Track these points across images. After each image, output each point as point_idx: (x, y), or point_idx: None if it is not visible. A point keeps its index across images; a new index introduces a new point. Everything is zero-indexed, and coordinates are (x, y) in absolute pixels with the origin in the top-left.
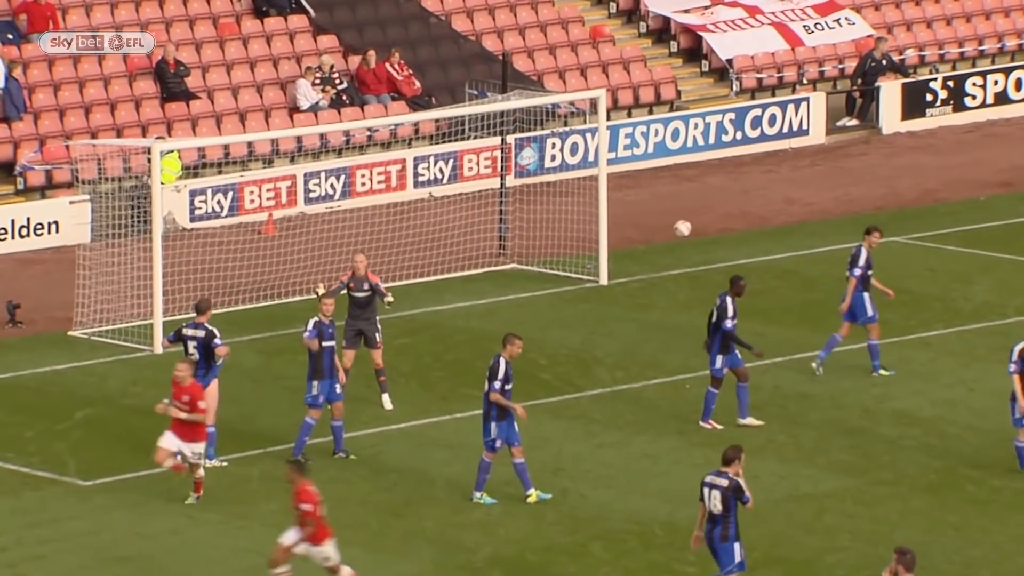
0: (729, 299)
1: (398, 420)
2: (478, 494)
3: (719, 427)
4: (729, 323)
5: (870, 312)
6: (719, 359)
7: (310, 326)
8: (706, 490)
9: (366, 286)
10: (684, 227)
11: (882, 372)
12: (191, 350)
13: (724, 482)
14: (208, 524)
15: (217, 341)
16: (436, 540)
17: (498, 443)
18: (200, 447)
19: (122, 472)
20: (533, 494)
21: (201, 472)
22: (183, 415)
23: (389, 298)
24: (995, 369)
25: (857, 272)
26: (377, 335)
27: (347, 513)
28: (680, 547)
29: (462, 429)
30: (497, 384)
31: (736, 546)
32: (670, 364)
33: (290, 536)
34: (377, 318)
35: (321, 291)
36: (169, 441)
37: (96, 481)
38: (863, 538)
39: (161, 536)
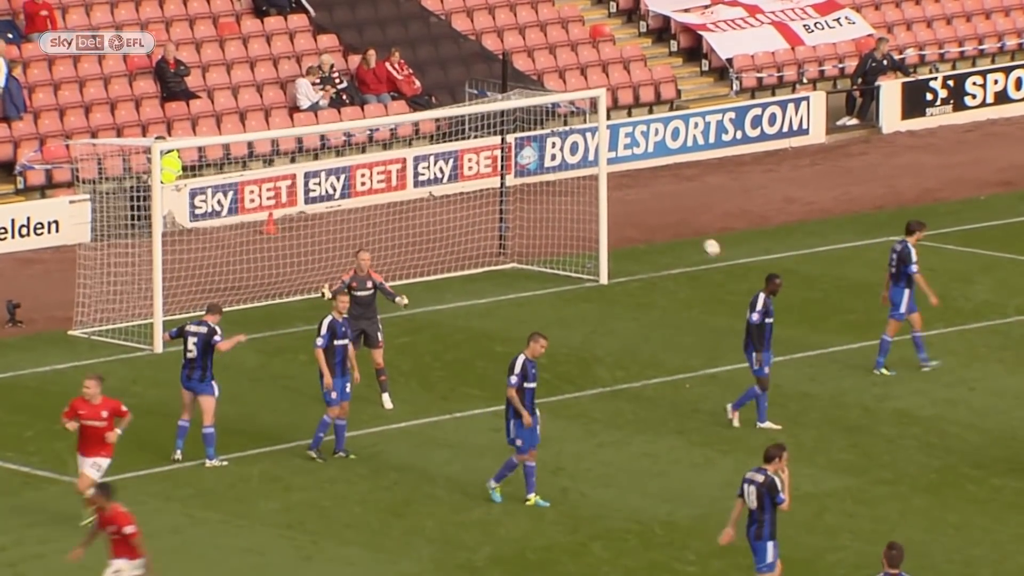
0: (762, 295)
1: (398, 419)
2: (493, 484)
3: (737, 424)
4: (754, 316)
5: (902, 308)
6: (755, 358)
7: (324, 329)
8: (745, 485)
9: (369, 284)
10: (712, 247)
11: (883, 372)
12: (190, 346)
13: (760, 478)
14: (208, 523)
15: (217, 337)
16: (436, 539)
17: (519, 442)
18: (106, 462)
19: (122, 471)
20: (533, 499)
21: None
22: (118, 432)
23: (404, 300)
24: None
25: (915, 268)
26: (379, 334)
27: (347, 512)
28: (680, 546)
29: (462, 428)
30: (513, 379)
31: (770, 545)
32: (670, 363)
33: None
34: (378, 317)
35: (327, 293)
36: (86, 468)
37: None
38: (863, 537)
39: (161, 535)
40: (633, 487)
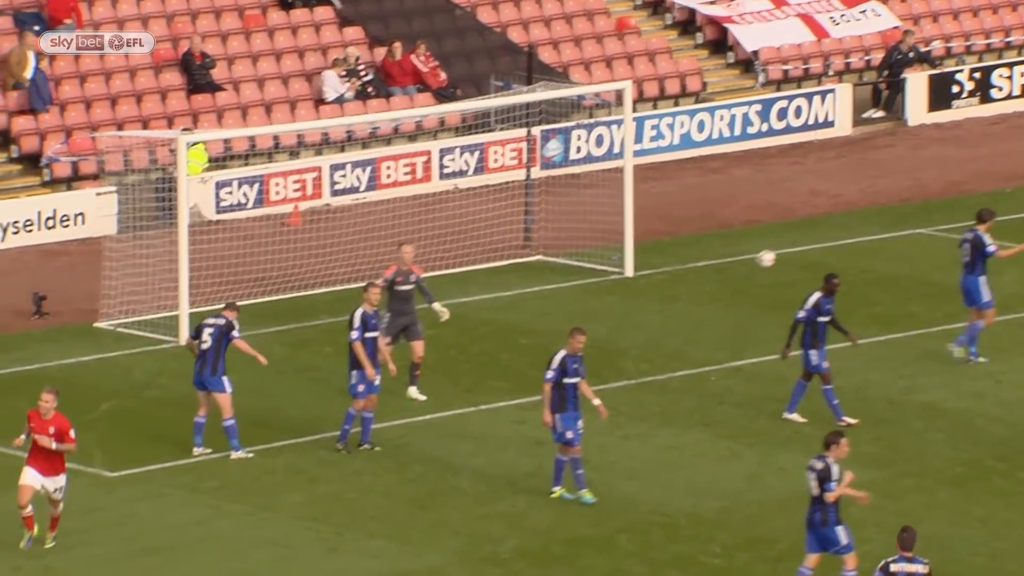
0: (816, 294)
1: (424, 412)
2: (581, 491)
3: (853, 421)
4: (800, 313)
5: (986, 297)
6: (813, 355)
7: (357, 321)
8: (806, 472)
9: (412, 278)
10: (766, 258)
11: (980, 359)
12: (205, 337)
13: (820, 465)
14: (233, 515)
15: (236, 333)
16: (461, 531)
17: (569, 434)
18: (62, 480)
19: (147, 463)
20: (558, 492)
21: (60, 508)
22: (54, 446)
23: (446, 316)
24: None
25: (994, 248)
26: (420, 326)
27: (372, 505)
28: (706, 539)
29: (487, 421)
30: (549, 375)
31: (839, 529)
32: (695, 356)
33: None
34: (416, 309)
35: (384, 316)
36: (32, 478)
37: (121, 472)
38: (889, 530)
39: (186, 527)
40: (658, 480)
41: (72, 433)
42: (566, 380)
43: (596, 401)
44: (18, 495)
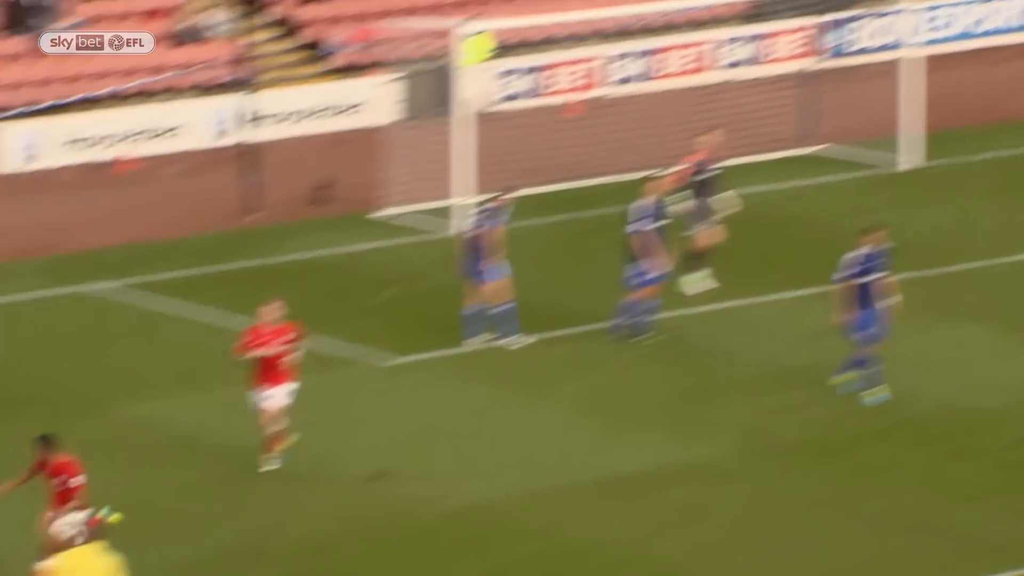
0: None
1: (701, 303)
2: (877, 388)
3: None
4: None
5: None
6: None
7: (640, 212)
8: None
9: (717, 165)
10: None
11: None
12: (473, 225)
13: None
14: (512, 404)
15: (488, 223)
16: (738, 424)
17: (868, 332)
18: (290, 388)
19: (425, 351)
20: (840, 379)
21: (282, 425)
22: (297, 354)
23: (736, 207)
24: None
25: None
26: (715, 215)
27: (648, 396)
28: (984, 433)
29: (766, 313)
30: (843, 272)
31: None
32: (978, 249)
33: (70, 526)
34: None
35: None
36: (278, 397)
37: (399, 360)
38: None
39: (465, 416)
40: (938, 374)
41: (297, 331)
42: (865, 278)
43: (894, 299)
44: (260, 420)
